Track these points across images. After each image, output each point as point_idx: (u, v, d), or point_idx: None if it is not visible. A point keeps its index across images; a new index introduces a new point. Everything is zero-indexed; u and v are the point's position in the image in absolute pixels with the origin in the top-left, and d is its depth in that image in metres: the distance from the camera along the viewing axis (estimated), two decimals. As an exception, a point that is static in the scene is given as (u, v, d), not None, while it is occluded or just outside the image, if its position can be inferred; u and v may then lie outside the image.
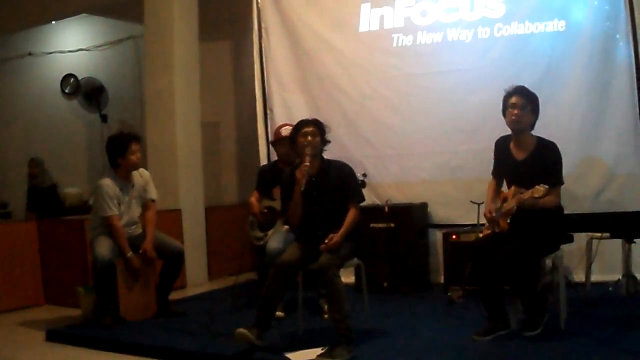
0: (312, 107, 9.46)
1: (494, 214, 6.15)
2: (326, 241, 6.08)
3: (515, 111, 6.02)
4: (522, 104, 6.01)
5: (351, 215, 6.29)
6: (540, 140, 6.09)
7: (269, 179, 7.58)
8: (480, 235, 6.44)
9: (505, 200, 6.03)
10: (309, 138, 6.29)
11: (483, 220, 6.53)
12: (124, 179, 7.45)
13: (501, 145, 6.35)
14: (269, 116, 9.98)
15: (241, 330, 5.92)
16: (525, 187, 5.72)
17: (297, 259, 6.14)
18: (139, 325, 7.22)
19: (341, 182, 6.37)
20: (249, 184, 9.51)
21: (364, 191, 6.85)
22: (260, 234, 7.57)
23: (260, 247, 7.52)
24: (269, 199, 7.61)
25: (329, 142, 6.45)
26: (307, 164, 6.21)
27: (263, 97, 10.03)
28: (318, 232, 6.23)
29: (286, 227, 7.28)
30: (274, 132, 8.01)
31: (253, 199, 7.77)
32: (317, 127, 6.35)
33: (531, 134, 6.12)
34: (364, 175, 7.87)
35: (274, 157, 9.18)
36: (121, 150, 7.37)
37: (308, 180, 6.19)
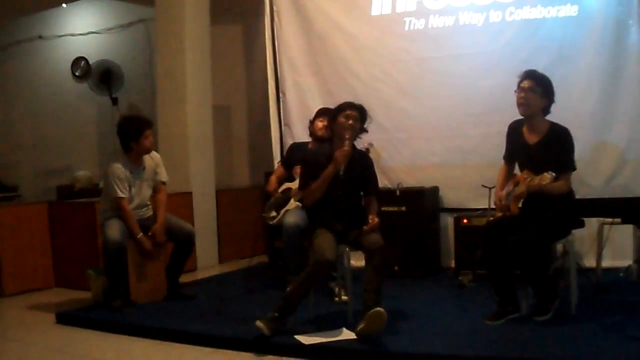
0: (324, 90, 9.46)
1: (503, 202, 6.14)
2: (370, 221, 6.10)
3: (522, 94, 6.02)
4: (529, 86, 6.00)
5: (376, 205, 6.37)
6: (553, 125, 6.08)
7: (296, 156, 7.57)
8: (491, 219, 6.43)
9: (517, 184, 6.01)
10: (351, 122, 6.29)
11: (494, 205, 6.52)
12: (135, 162, 7.46)
13: (514, 129, 6.33)
14: (281, 100, 9.97)
15: (260, 324, 5.85)
16: (537, 171, 5.70)
17: (334, 255, 6.03)
18: (149, 308, 7.25)
19: (364, 172, 6.41)
20: (260, 167, 9.52)
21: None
22: (274, 214, 7.57)
23: (273, 227, 7.53)
24: (289, 178, 7.62)
25: (366, 131, 6.50)
26: (348, 148, 6.20)
27: (276, 81, 10.01)
28: (344, 217, 6.26)
29: (297, 204, 7.26)
30: (317, 114, 7.91)
31: (274, 177, 7.80)
32: (360, 114, 6.37)
33: (544, 119, 6.10)
34: (371, 144, 7.77)
35: (287, 140, 9.21)
36: (135, 135, 7.37)
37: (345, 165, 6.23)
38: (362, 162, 6.44)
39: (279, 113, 9.93)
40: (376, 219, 6.10)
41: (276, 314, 5.92)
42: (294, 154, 7.79)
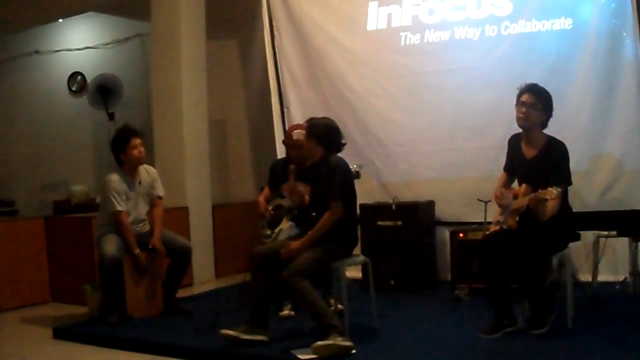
0: (324, 105, 9.47)
1: (503, 201, 6.15)
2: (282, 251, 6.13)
3: (523, 109, 6.01)
4: (531, 102, 6.00)
5: (323, 218, 6.14)
6: (550, 139, 6.09)
7: (280, 174, 7.56)
8: (487, 232, 6.44)
9: (515, 197, 6.02)
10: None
11: (490, 218, 6.53)
12: (130, 175, 7.47)
13: (513, 143, 6.36)
14: (285, 114, 9.99)
15: (223, 331, 6.02)
16: (535, 185, 5.72)
17: (268, 250, 6.21)
18: (145, 322, 7.25)
19: (328, 179, 6.30)
20: (259, 182, 9.52)
21: (362, 182, 6.73)
22: (268, 232, 7.58)
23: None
24: (278, 196, 7.61)
25: (324, 136, 6.38)
26: (291, 179, 6.63)
27: (279, 96, 10.04)
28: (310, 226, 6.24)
29: (292, 223, 7.28)
30: (286, 133, 7.98)
31: (261, 197, 7.76)
32: (306, 127, 6.42)
33: (542, 133, 6.12)
34: (360, 166, 7.75)
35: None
36: (122, 146, 7.39)
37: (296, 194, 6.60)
38: (325, 170, 6.29)
39: (284, 128, 9.88)
40: (292, 246, 6.11)
41: (243, 323, 6.10)
42: (277, 171, 7.75)
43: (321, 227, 6.11)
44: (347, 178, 6.36)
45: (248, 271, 6.17)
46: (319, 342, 5.63)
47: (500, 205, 6.26)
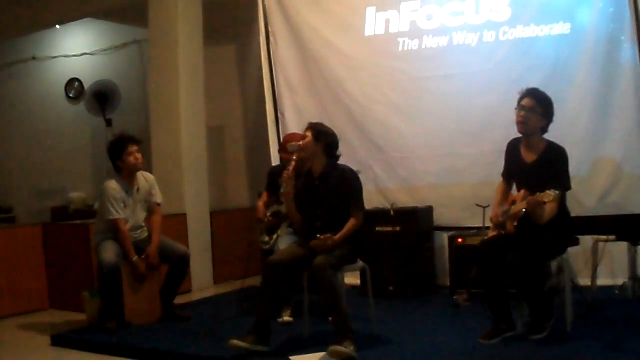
0: (321, 111, 9.40)
1: (500, 219, 6.14)
2: (320, 236, 6.11)
3: (522, 113, 6.01)
4: (531, 106, 6.00)
5: (351, 223, 6.24)
6: (551, 144, 6.09)
7: (278, 180, 7.56)
8: (486, 238, 6.42)
9: (514, 203, 6.01)
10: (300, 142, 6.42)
11: (489, 223, 6.52)
12: (129, 182, 7.46)
13: (512, 148, 6.34)
14: (280, 121, 9.96)
15: (233, 341, 5.93)
16: (534, 190, 5.70)
17: (287, 259, 6.16)
18: (144, 329, 7.23)
19: (343, 188, 6.33)
20: (257, 188, 9.51)
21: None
22: (267, 238, 7.57)
23: (267, 251, 7.52)
24: (277, 201, 7.60)
25: (332, 145, 6.45)
26: (290, 168, 6.38)
27: (274, 102, 10.02)
28: (316, 235, 6.20)
29: (290, 230, 7.28)
30: (282, 143, 7.99)
31: (260, 203, 7.77)
32: (312, 129, 6.42)
33: (542, 138, 6.11)
34: (358, 172, 7.76)
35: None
36: (118, 153, 7.39)
37: (291, 185, 6.38)
38: (338, 178, 6.37)
39: (278, 134, 9.89)
40: (329, 241, 6.11)
41: (249, 333, 6.00)
42: (275, 177, 7.74)
43: (347, 232, 6.21)
44: (361, 187, 6.49)
45: (263, 280, 6.09)
46: (337, 347, 5.64)
47: (496, 226, 6.24)
